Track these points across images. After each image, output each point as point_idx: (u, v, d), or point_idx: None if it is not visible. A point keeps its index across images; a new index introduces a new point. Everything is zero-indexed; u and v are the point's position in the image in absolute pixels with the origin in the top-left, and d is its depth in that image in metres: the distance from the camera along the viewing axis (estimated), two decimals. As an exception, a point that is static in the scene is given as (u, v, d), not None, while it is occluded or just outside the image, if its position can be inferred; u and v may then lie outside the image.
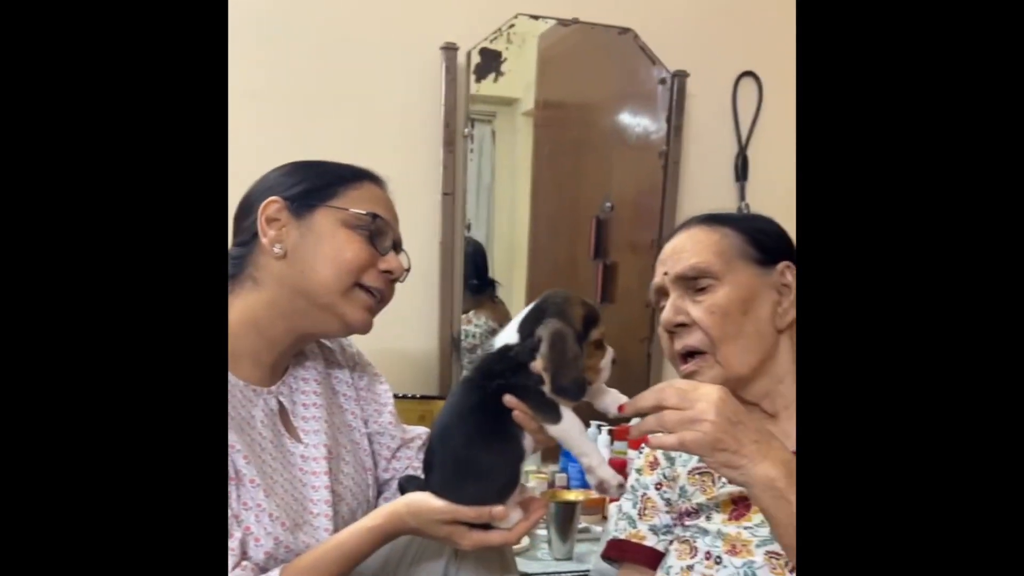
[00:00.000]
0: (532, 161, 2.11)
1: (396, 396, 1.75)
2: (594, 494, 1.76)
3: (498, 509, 0.87)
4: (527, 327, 0.87)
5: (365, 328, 1.01)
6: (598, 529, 1.69)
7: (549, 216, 2.16)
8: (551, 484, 1.83)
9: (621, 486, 0.87)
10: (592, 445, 0.88)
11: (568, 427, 0.86)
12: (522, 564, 1.52)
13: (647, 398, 0.81)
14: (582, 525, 1.63)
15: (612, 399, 0.90)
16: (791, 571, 0.83)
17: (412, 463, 1.12)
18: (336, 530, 0.96)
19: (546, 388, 0.84)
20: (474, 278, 2.04)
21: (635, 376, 2.00)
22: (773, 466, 0.77)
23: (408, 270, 1.08)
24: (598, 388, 0.90)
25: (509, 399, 0.85)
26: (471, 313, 2.05)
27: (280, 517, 0.91)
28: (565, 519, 1.56)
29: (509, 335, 0.88)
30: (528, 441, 0.88)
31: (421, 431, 1.16)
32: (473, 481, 0.88)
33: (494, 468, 0.88)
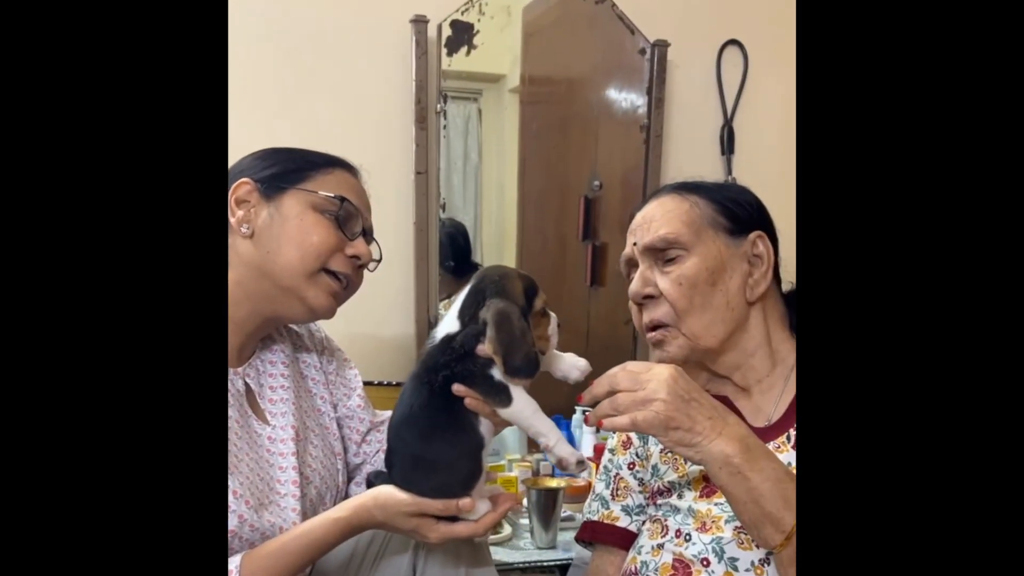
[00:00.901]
0: (519, 139, 2.11)
1: (371, 383, 1.78)
2: (578, 481, 1.78)
3: (465, 501, 0.90)
4: (468, 312, 0.88)
5: (328, 313, 1.03)
6: (582, 517, 1.71)
7: (537, 196, 2.17)
8: (535, 472, 1.85)
9: (581, 463, 0.88)
10: (548, 424, 0.89)
11: (520, 408, 0.87)
12: (504, 554, 1.54)
13: (601, 384, 0.82)
14: (565, 513, 1.65)
15: (568, 363, 0.92)
16: (757, 546, 0.84)
17: (383, 447, 1.13)
18: (304, 512, 0.98)
19: (497, 372, 0.85)
20: (451, 260, 2.05)
21: (623, 358, 2.01)
22: (728, 442, 0.78)
23: (379, 260, 1.09)
24: (550, 356, 0.91)
25: (458, 387, 0.87)
26: (452, 298, 2.06)
27: (244, 495, 0.93)
28: (547, 507, 1.57)
29: (449, 324, 0.89)
30: (486, 427, 0.90)
31: (390, 415, 1.18)
32: (434, 475, 0.90)
33: (453, 460, 0.90)
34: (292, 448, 1.01)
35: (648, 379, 0.80)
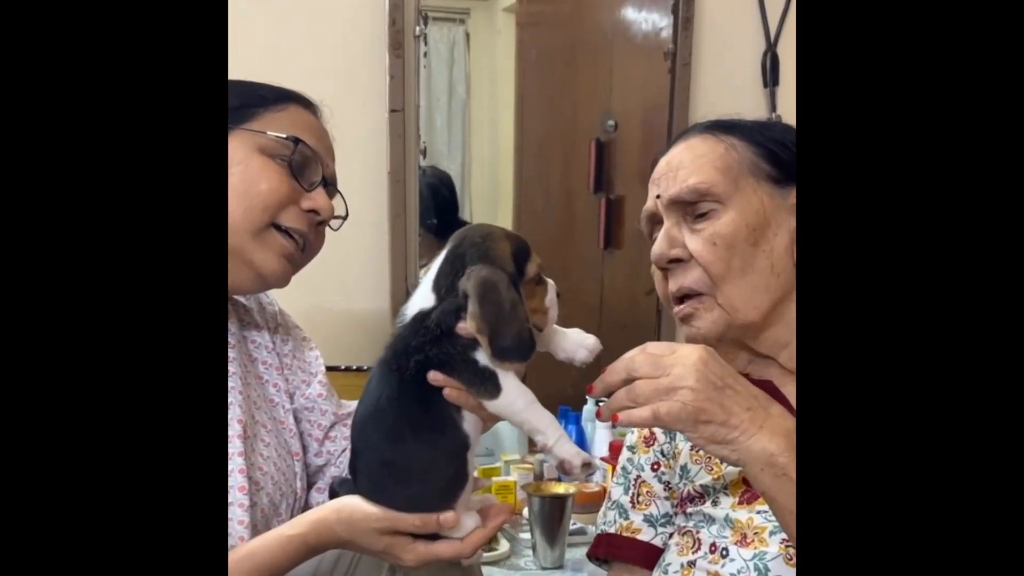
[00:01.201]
0: (516, 69, 2.14)
1: (337, 368, 1.79)
2: (589, 487, 1.80)
3: (447, 515, 0.89)
4: (445, 282, 0.87)
5: (282, 280, 1.03)
6: (594, 530, 1.73)
7: (539, 139, 2.20)
8: (537, 476, 1.87)
9: (588, 465, 0.88)
10: (547, 418, 0.88)
11: (512, 399, 0.86)
12: (502, 574, 1.57)
13: (616, 370, 0.81)
14: (575, 525, 1.67)
15: (573, 341, 0.91)
16: None
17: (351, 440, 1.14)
18: (253, 525, 0.99)
19: (481, 355, 0.85)
20: (435, 217, 2.06)
21: (644, 337, 2.03)
22: (772, 438, 0.78)
23: (345, 217, 1.09)
24: (551, 333, 0.91)
25: (434, 376, 0.86)
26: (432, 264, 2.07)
27: None
28: (553, 518, 1.59)
29: (423, 298, 0.89)
30: (471, 423, 0.89)
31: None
32: (407, 484, 0.89)
33: (430, 465, 0.89)
34: (239, 447, 1.01)
35: (672, 363, 0.79)
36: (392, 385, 0.89)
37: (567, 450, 0.88)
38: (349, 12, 1.94)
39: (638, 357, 0.81)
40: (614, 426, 1.94)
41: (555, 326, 0.91)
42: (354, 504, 0.90)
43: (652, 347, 0.82)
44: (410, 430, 0.89)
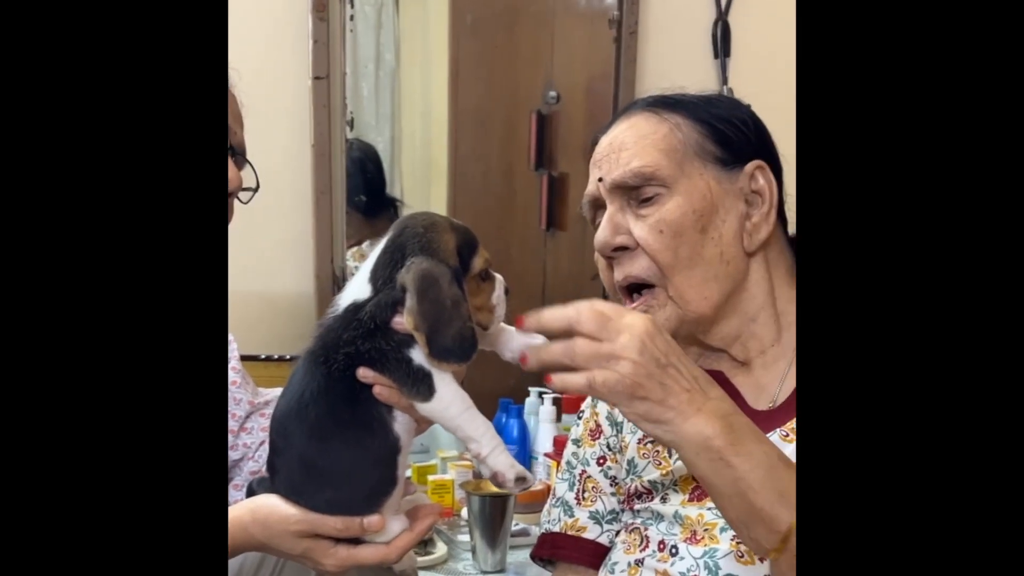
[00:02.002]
0: (449, 36, 2.13)
1: (256, 357, 1.79)
2: (535, 485, 1.83)
3: (372, 519, 0.90)
4: (382, 274, 0.87)
5: None
6: (538, 530, 1.75)
7: (475, 111, 2.20)
8: (477, 474, 1.88)
9: (521, 480, 0.88)
10: (482, 425, 0.88)
11: (445, 404, 0.86)
12: (438, 580, 1.59)
13: (558, 317, 0.81)
14: (517, 525, 1.70)
15: (520, 341, 0.90)
16: (761, 559, 0.88)
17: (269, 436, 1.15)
18: None
19: (416, 353, 0.85)
20: (364, 194, 2.06)
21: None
22: (708, 422, 0.78)
23: (255, 190, 1.09)
24: (497, 331, 0.92)
25: (364, 372, 0.86)
26: (366, 244, 2.07)
27: None
28: (493, 518, 1.61)
29: (358, 289, 0.89)
30: (402, 424, 0.90)
31: (276, 394, 1.19)
32: (329, 486, 0.90)
33: (355, 468, 0.90)
34: None
35: (618, 329, 0.79)
36: (319, 379, 0.88)
37: (501, 462, 0.88)
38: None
39: (586, 312, 0.80)
40: (541, 379, 1.97)
41: (502, 324, 0.92)
42: (271, 504, 0.91)
43: (600, 305, 0.81)
44: (335, 428, 0.89)
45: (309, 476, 0.91)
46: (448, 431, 0.90)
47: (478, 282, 0.90)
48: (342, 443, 0.90)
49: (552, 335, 0.82)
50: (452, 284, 0.84)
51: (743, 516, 0.78)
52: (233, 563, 0.99)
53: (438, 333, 0.83)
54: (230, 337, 1.20)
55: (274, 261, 1.99)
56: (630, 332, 0.79)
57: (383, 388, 0.87)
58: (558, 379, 0.80)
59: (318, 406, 0.89)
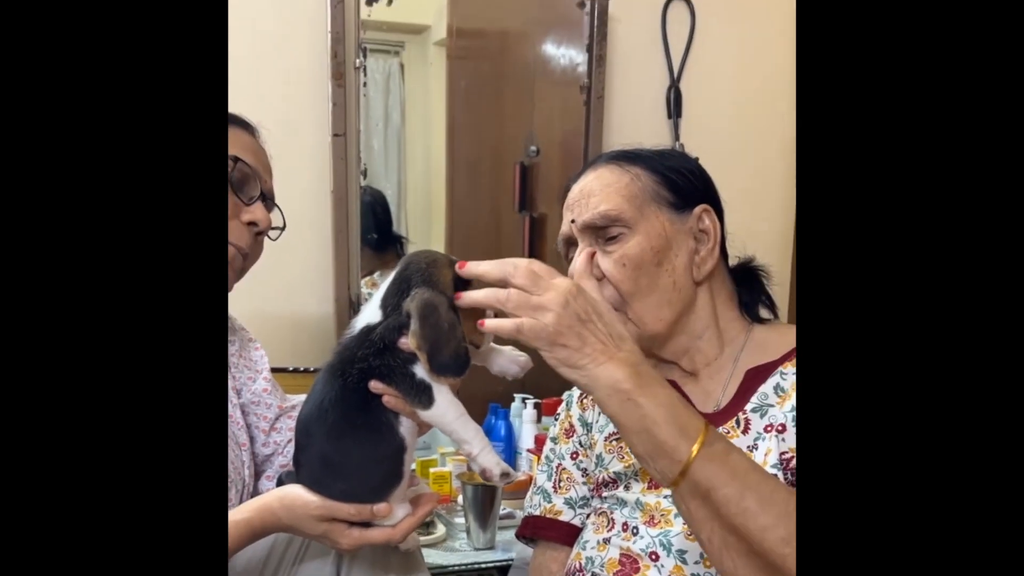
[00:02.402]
0: (447, 98, 2.13)
1: (285, 369, 1.78)
2: (518, 477, 1.83)
3: (380, 507, 0.90)
4: (391, 301, 0.87)
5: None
6: (522, 514, 1.75)
7: (468, 162, 2.19)
8: (470, 466, 1.88)
9: (506, 475, 0.89)
10: (472, 429, 0.89)
11: (442, 411, 0.87)
12: (438, 556, 1.57)
13: (496, 268, 0.80)
14: (505, 510, 1.69)
15: (507, 358, 0.92)
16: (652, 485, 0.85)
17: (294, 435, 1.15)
18: None
19: (419, 368, 0.86)
20: (375, 232, 2.06)
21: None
22: (618, 368, 0.77)
23: (283, 228, 1.09)
24: (487, 350, 0.92)
25: (375, 384, 0.87)
26: (376, 274, 2.07)
27: None
28: (484, 504, 1.61)
29: (371, 314, 0.89)
30: (407, 428, 0.90)
31: (302, 400, 1.19)
32: (344, 479, 0.90)
33: (367, 464, 0.91)
34: None
35: (547, 287, 0.78)
36: (336, 389, 0.89)
37: (489, 460, 0.89)
38: (295, 46, 1.93)
39: (521, 267, 0.80)
40: (543, 411, 1.98)
41: (492, 344, 0.92)
42: (296, 493, 0.92)
43: (536, 265, 0.80)
44: (350, 430, 0.89)
45: (327, 470, 0.91)
46: (445, 434, 0.90)
47: (471, 309, 0.89)
48: (355, 443, 0.90)
49: (487, 284, 0.81)
50: (449, 311, 0.84)
51: (649, 450, 0.76)
52: (266, 541, 0.98)
53: (437, 352, 0.83)
54: (262, 351, 1.20)
55: (300, 288, 1.98)
56: (556, 290, 0.78)
57: (391, 397, 0.87)
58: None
59: (335, 412, 0.89)
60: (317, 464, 0.91)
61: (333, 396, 0.89)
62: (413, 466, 1.74)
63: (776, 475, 0.89)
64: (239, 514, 0.93)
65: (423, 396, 0.86)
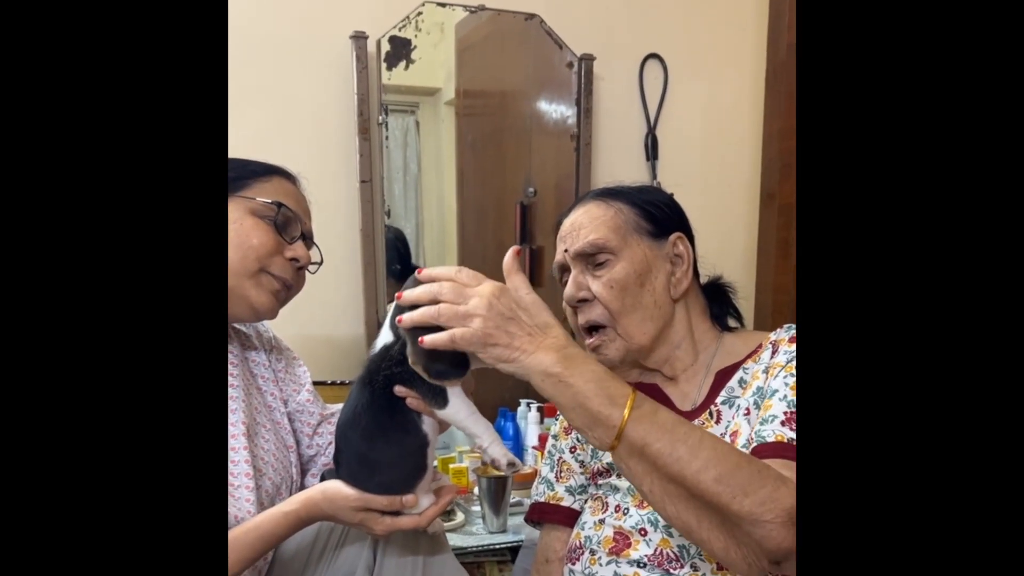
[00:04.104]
0: (456, 150, 2.14)
1: (324, 383, 1.79)
2: (525, 469, 1.83)
3: (409, 498, 0.91)
4: (394, 324, 0.85)
5: (271, 313, 1.04)
6: (529, 501, 1.75)
7: (475, 204, 2.19)
8: (484, 461, 1.88)
9: (512, 464, 0.88)
10: (483, 425, 0.88)
11: (455, 410, 0.86)
12: (458, 539, 1.57)
13: (426, 291, 0.78)
14: (514, 499, 1.69)
15: None
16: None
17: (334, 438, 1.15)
18: (260, 502, 1.00)
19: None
20: (397, 264, 2.07)
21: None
22: (546, 354, 0.75)
23: (320, 263, 1.10)
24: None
25: (399, 389, 0.87)
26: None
27: None
28: (497, 493, 1.61)
29: (385, 336, 0.89)
30: (429, 425, 0.90)
31: (340, 408, 1.19)
32: (378, 473, 0.91)
33: (396, 459, 0.91)
34: (244, 443, 1.02)
35: (471, 295, 0.76)
36: (366, 396, 0.89)
37: (497, 451, 0.88)
38: (326, 106, 1.95)
39: (446, 284, 0.77)
40: (545, 413, 1.98)
41: None
42: (336, 487, 0.93)
43: (464, 274, 0.79)
44: (380, 431, 0.90)
45: (363, 466, 0.91)
46: (459, 429, 0.90)
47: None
48: (385, 441, 0.90)
49: (424, 303, 0.78)
50: (434, 328, 0.80)
51: (586, 421, 0.75)
52: (312, 529, 1.00)
53: (431, 365, 0.82)
54: (304, 368, 1.21)
55: (335, 313, 1.99)
56: (480, 295, 0.76)
57: (413, 399, 0.87)
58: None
59: (367, 415, 0.90)
60: (354, 462, 0.92)
61: (364, 402, 0.90)
62: (435, 462, 1.75)
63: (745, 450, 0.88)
64: (288, 506, 0.94)
65: (439, 398, 0.86)
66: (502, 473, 1.61)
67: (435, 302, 0.77)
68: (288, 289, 1.05)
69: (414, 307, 0.79)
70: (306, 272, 1.09)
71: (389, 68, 1.96)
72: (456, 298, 0.76)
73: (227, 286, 0.99)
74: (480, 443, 0.88)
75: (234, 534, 0.92)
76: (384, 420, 0.89)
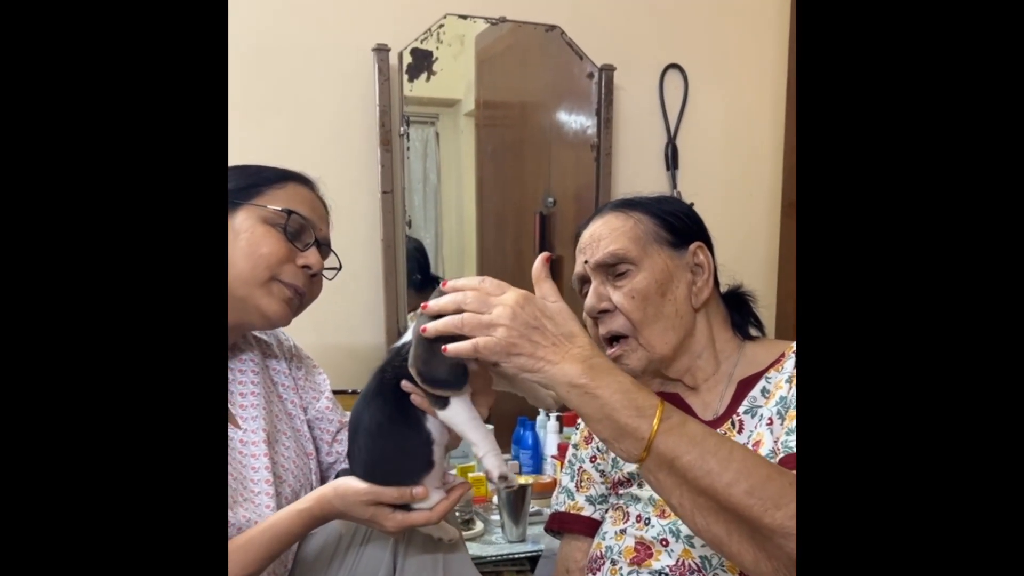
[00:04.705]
0: (476, 161, 2.14)
1: (345, 391, 1.79)
2: (544, 478, 1.83)
3: (418, 490, 0.90)
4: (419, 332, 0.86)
5: (283, 320, 1.03)
6: (549, 511, 1.74)
7: (495, 214, 2.19)
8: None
9: (504, 478, 0.86)
10: (481, 433, 0.86)
11: (454, 414, 0.85)
12: (478, 548, 1.57)
13: (451, 301, 0.77)
14: (533, 508, 1.68)
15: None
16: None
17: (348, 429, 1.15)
18: (279, 508, 1.00)
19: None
20: (418, 274, 2.08)
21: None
22: (572, 365, 0.73)
23: (338, 269, 1.09)
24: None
25: (405, 384, 0.86)
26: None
27: None
28: (516, 503, 1.60)
29: (406, 337, 0.90)
30: (434, 424, 0.89)
31: None
32: (383, 463, 0.91)
33: (401, 451, 0.90)
34: (264, 450, 1.02)
35: (495, 304, 0.75)
36: (374, 388, 0.89)
37: (492, 463, 0.85)
38: (348, 117, 1.97)
39: (470, 293, 0.76)
40: (565, 421, 1.98)
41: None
42: (348, 482, 0.92)
43: (487, 284, 0.78)
44: (386, 421, 0.89)
45: (371, 457, 0.91)
46: (459, 434, 0.88)
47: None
48: (390, 433, 0.90)
49: (449, 313, 0.77)
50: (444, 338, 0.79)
51: (614, 433, 0.73)
52: (333, 531, 0.99)
53: (428, 370, 0.81)
54: (324, 375, 1.21)
55: (356, 322, 2.00)
56: (503, 304, 0.75)
57: (416, 396, 0.86)
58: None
59: (377, 406, 0.89)
60: (365, 453, 0.92)
61: (373, 393, 0.90)
62: (454, 471, 1.75)
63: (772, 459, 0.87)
64: (302, 504, 0.94)
65: (440, 399, 0.84)
66: (523, 483, 1.62)
67: (460, 312, 0.76)
68: (301, 296, 1.04)
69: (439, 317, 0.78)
70: (322, 279, 1.07)
71: (410, 80, 1.98)
72: (480, 307, 0.75)
73: (227, 292, 0.98)
74: (476, 451, 0.86)
75: (249, 535, 0.92)
76: (391, 411, 0.89)
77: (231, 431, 1.02)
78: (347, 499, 0.91)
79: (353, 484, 0.92)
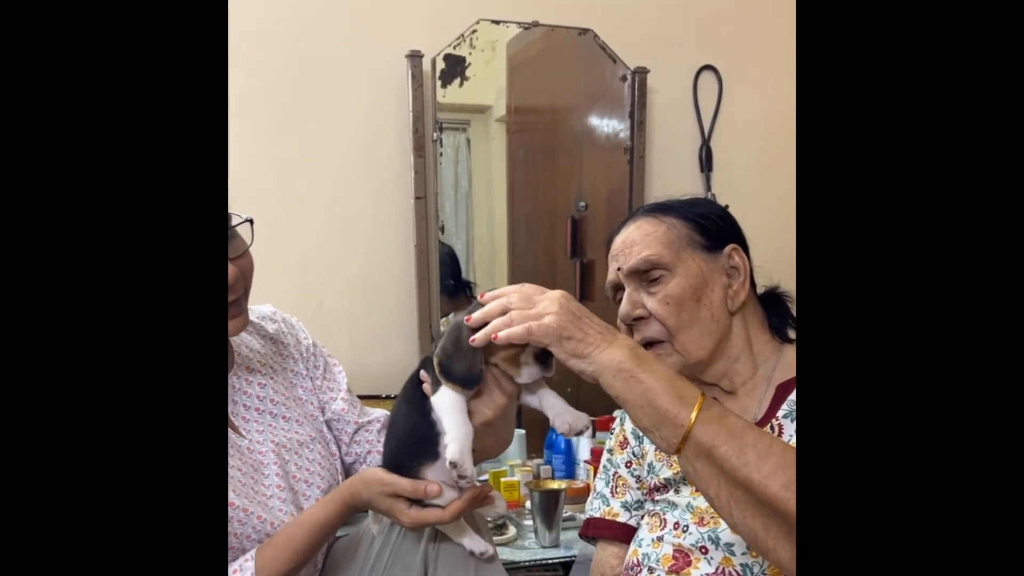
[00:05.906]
0: (507, 166, 2.15)
1: (379, 396, 1.80)
2: (576, 483, 1.81)
3: (432, 487, 0.90)
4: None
5: (234, 329, 1.02)
6: (583, 516, 1.73)
7: (526, 218, 2.20)
8: (536, 476, 1.87)
9: (454, 464, 0.84)
10: (456, 421, 0.85)
11: (440, 398, 0.85)
12: (511, 553, 1.57)
13: (494, 306, 0.80)
14: (567, 513, 1.67)
15: (556, 411, 0.88)
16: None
17: (374, 448, 1.16)
18: (299, 511, 1.03)
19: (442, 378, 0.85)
20: (450, 279, 2.09)
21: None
22: (619, 350, 0.76)
23: (250, 221, 1.03)
24: (542, 393, 0.89)
25: (422, 373, 0.89)
26: (451, 315, 2.09)
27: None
28: (549, 507, 1.59)
29: None
30: (448, 419, 0.88)
31: (379, 414, 1.20)
32: (391, 441, 0.95)
33: (407, 429, 0.92)
34: (273, 458, 1.04)
35: (540, 299, 0.79)
36: (416, 370, 0.92)
37: (451, 448, 0.84)
38: (382, 123, 1.98)
39: (513, 295, 0.80)
40: (596, 427, 1.96)
41: (546, 388, 0.90)
42: (373, 472, 0.95)
43: (527, 287, 0.81)
44: (403, 404, 0.92)
45: (388, 435, 0.95)
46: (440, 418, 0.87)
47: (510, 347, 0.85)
48: (402, 415, 0.93)
49: (494, 318, 0.79)
50: (471, 334, 0.81)
51: (654, 420, 0.74)
52: (365, 543, 1.01)
53: (448, 364, 0.83)
54: (340, 368, 1.20)
55: (390, 327, 2.00)
56: (549, 298, 0.79)
57: (426, 384, 0.88)
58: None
59: (403, 391, 0.93)
60: (388, 435, 0.95)
61: (405, 383, 0.93)
62: (485, 476, 1.74)
63: None
64: (335, 493, 0.98)
65: (436, 384, 0.85)
66: (556, 488, 1.61)
67: (505, 312, 0.79)
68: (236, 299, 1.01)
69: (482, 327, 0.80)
70: (246, 268, 1.03)
71: (444, 86, 1.99)
72: (526, 304, 0.79)
73: (227, 293, 0.98)
74: (446, 440, 0.85)
75: (287, 531, 0.96)
76: (410, 394, 0.91)
77: (237, 439, 1.04)
78: (370, 488, 0.94)
79: (377, 473, 0.94)
